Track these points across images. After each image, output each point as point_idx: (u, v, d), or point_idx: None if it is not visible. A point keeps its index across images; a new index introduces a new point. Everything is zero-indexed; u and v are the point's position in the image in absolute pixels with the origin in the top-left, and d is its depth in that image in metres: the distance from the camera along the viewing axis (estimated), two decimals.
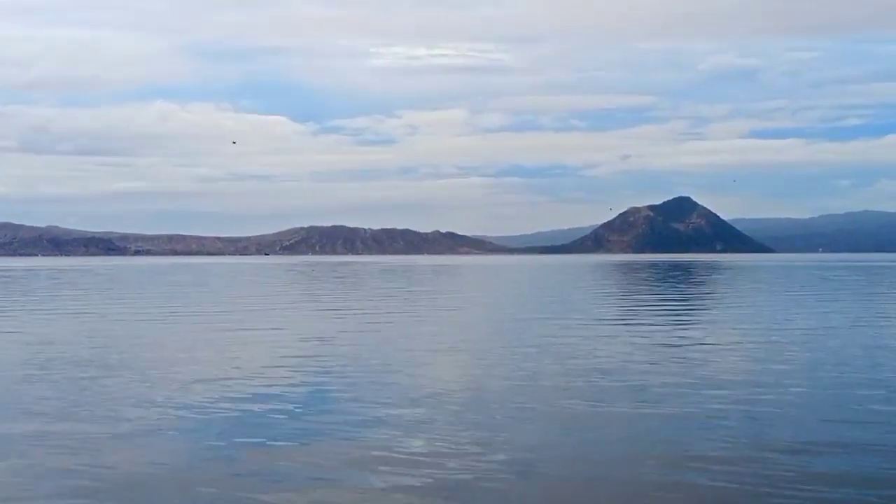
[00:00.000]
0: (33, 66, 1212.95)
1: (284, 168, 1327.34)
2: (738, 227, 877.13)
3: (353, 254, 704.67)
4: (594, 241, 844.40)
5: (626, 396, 18.26)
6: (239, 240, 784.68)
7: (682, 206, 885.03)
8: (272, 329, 34.03)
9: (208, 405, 17.48)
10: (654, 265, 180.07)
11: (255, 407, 17.30)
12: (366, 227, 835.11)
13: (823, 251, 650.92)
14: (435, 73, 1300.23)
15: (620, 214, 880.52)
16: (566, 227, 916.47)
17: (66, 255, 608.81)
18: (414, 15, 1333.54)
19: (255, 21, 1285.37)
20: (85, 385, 19.89)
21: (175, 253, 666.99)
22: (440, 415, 16.35)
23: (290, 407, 17.27)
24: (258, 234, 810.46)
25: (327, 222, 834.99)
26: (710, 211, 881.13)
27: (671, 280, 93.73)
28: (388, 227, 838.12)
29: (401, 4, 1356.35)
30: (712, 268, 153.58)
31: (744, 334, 31.22)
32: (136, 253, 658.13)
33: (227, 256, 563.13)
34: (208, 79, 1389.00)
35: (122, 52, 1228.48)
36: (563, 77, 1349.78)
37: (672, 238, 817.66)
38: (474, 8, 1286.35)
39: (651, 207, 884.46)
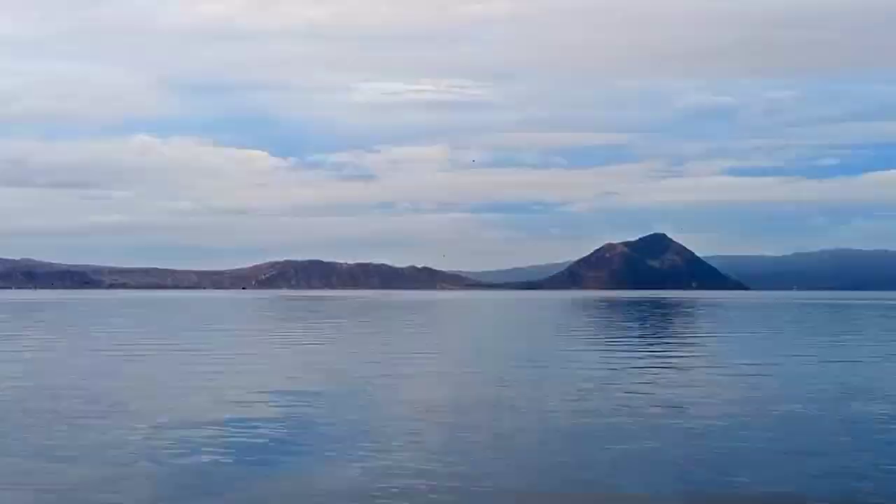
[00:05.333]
0: (19, 100, 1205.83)
1: (262, 202, 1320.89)
2: (714, 265, 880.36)
3: (328, 288, 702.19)
4: (569, 277, 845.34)
5: (590, 433, 18.80)
6: (214, 273, 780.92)
7: (657, 243, 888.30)
8: (240, 366, 34.37)
9: (181, 449, 17.91)
10: (630, 302, 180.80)
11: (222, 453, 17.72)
12: (342, 261, 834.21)
13: (798, 289, 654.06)
14: (414, 108, 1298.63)
15: (595, 251, 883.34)
16: (543, 263, 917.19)
17: (39, 287, 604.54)
18: (391, 51, 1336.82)
19: (236, 56, 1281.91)
20: (55, 426, 20.22)
21: (150, 286, 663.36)
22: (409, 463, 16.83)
23: (259, 448, 17.73)
24: (234, 267, 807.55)
25: (304, 256, 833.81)
26: (685, 248, 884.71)
27: (645, 318, 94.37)
28: (365, 261, 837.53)
29: (378, 41, 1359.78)
30: (686, 305, 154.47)
31: (712, 374, 31.84)
32: (111, 286, 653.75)
33: (203, 290, 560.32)
34: (189, 113, 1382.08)
35: (106, 87, 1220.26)
36: (541, 114, 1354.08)
37: (647, 275, 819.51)
38: (450, 45, 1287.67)
39: (626, 244, 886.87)
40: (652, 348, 47.23)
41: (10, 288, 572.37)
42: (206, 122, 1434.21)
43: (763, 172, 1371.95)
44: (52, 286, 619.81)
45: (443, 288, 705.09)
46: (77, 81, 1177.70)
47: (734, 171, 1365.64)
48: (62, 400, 23.70)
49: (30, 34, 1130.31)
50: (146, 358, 37.93)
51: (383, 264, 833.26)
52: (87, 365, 34.42)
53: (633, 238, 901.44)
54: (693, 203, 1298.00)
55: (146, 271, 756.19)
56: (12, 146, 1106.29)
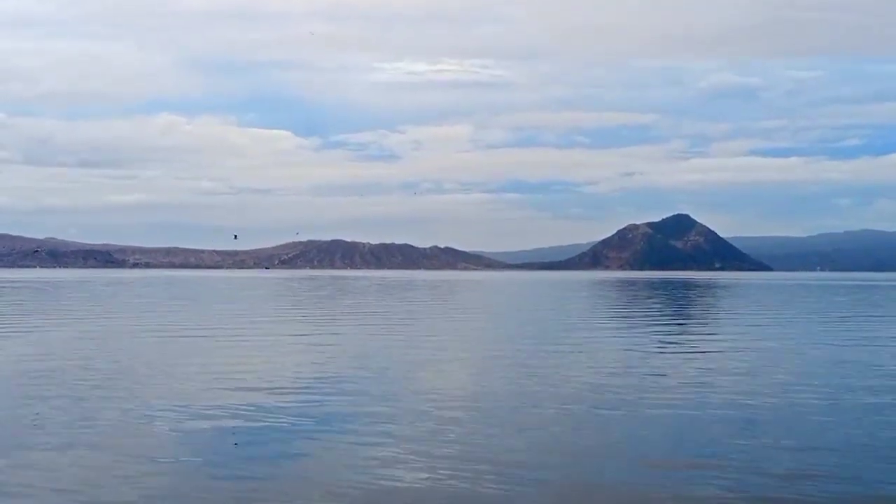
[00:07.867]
0: (42, 79, 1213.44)
1: (286, 182, 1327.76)
2: (737, 245, 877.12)
3: (351, 268, 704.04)
4: (592, 257, 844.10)
5: (604, 417, 18.30)
6: (237, 253, 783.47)
7: (680, 224, 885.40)
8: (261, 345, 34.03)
9: (206, 429, 17.53)
10: (654, 283, 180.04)
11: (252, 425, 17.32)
12: (365, 241, 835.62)
13: (822, 270, 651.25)
14: (438, 88, 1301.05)
15: (618, 231, 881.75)
16: (565, 244, 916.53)
17: (64, 266, 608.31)
18: (414, 31, 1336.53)
19: (261, 37, 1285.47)
20: (78, 403, 19.90)
21: (173, 266, 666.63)
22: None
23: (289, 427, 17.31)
24: (256, 247, 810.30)
25: (326, 237, 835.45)
26: (708, 229, 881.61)
27: (669, 299, 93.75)
28: (387, 241, 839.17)
29: (401, 21, 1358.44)
30: (710, 286, 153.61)
31: (733, 357, 31.26)
32: (134, 265, 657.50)
33: (225, 270, 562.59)
34: (213, 93, 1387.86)
35: (130, 67, 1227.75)
36: (564, 94, 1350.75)
37: (670, 255, 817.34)
38: (473, 25, 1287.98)
39: (650, 224, 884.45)
40: (686, 331, 46.68)
41: (35, 267, 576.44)
42: (230, 102, 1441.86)
43: (786, 153, 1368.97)
44: (75, 266, 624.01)
45: (465, 268, 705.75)
46: (101, 61, 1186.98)
47: (757, 152, 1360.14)
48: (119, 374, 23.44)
49: (54, 14, 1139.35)
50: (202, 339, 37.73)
51: (406, 244, 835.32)
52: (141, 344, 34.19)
53: (656, 219, 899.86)
54: (716, 183, 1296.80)
55: (169, 251, 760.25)
56: (36, 125, 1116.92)
